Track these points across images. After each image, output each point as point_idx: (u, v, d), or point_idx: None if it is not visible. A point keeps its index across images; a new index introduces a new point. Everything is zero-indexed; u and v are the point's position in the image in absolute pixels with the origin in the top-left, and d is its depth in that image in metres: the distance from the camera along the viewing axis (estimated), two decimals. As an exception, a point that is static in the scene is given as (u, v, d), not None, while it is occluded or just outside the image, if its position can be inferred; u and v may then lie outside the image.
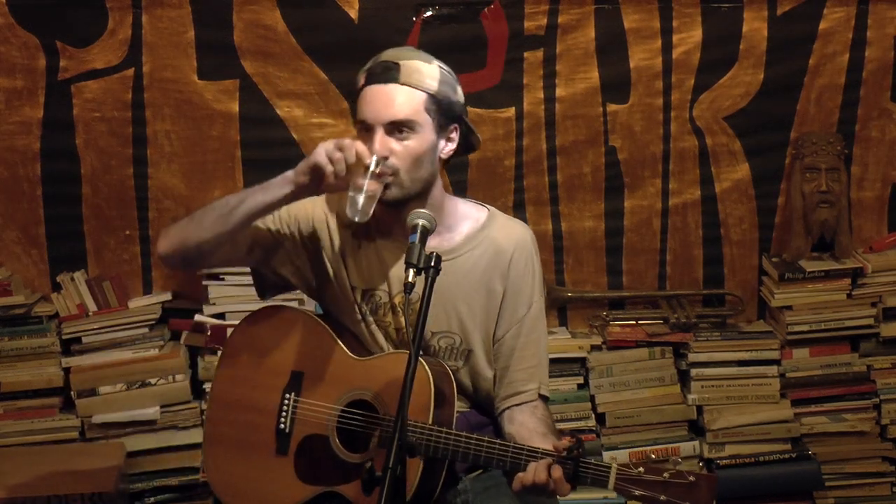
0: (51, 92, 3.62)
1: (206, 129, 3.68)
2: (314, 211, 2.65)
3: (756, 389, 3.78)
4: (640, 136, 3.78)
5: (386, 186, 2.45)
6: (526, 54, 3.70)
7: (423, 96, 2.46)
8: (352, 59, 3.61)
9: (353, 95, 2.52)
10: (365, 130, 2.47)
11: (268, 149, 3.70)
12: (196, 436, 3.61)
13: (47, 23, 3.58)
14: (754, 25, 3.73)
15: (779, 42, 3.74)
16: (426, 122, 2.47)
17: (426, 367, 2.45)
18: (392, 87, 2.45)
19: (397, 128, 2.45)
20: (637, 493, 2.27)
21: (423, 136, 2.47)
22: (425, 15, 3.65)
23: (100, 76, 3.62)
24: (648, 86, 3.75)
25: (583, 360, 3.77)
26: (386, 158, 2.43)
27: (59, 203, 3.71)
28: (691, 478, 2.25)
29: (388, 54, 2.50)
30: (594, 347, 3.78)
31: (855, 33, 3.75)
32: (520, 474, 2.33)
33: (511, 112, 3.73)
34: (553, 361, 3.68)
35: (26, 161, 3.66)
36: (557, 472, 2.29)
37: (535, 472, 2.30)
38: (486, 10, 3.65)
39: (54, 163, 3.67)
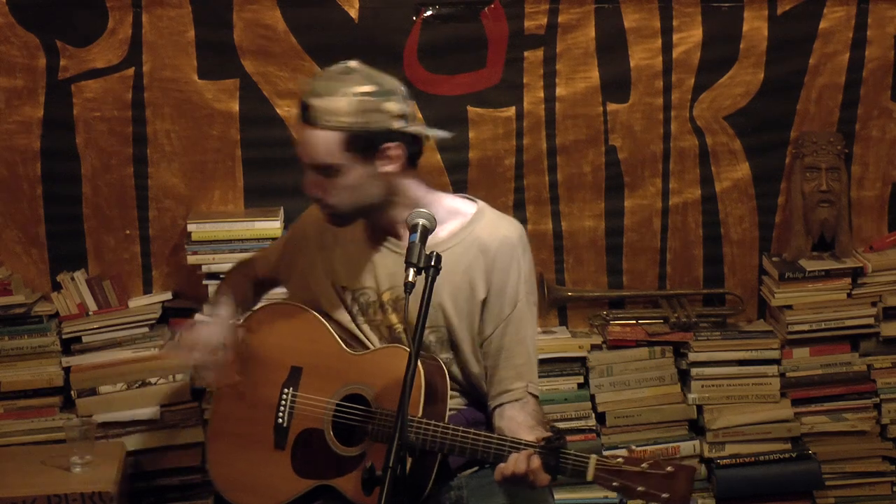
0: (51, 91, 3.62)
1: (206, 128, 3.68)
2: (299, 229, 2.80)
3: (756, 389, 3.78)
4: (641, 136, 3.78)
5: (330, 211, 2.56)
6: (526, 54, 3.70)
7: (338, 136, 2.45)
8: (352, 59, 3.64)
9: None
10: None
11: (268, 148, 3.71)
12: (196, 435, 3.62)
13: (47, 22, 3.58)
14: (754, 25, 3.73)
15: (779, 41, 3.74)
16: (349, 159, 2.47)
17: (419, 363, 2.46)
18: (310, 130, 2.47)
19: (322, 170, 2.49)
20: (616, 483, 2.29)
21: (350, 173, 2.49)
22: (425, 14, 3.65)
23: (100, 76, 3.62)
24: (648, 85, 3.75)
25: (583, 360, 3.77)
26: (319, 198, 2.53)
27: (59, 202, 3.70)
28: (669, 468, 2.27)
29: (308, 88, 2.49)
30: (594, 347, 3.78)
31: (855, 32, 3.75)
32: (500, 465, 2.35)
33: (511, 111, 3.73)
34: (553, 361, 3.71)
35: (26, 160, 3.66)
36: (535, 462, 2.31)
37: (514, 462, 2.32)
38: (486, 9, 3.65)
39: (54, 162, 3.67)
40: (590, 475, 2.30)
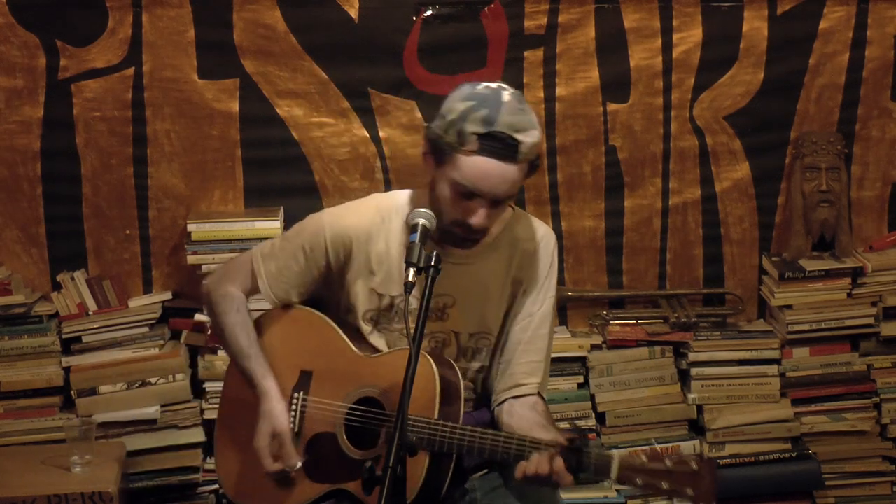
0: (51, 91, 3.62)
1: (206, 128, 3.68)
2: (329, 234, 2.59)
3: (756, 389, 3.78)
4: (641, 136, 3.79)
5: (472, 240, 2.50)
6: (526, 54, 3.70)
7: (526, 167, 2.43)
8: (352, 59, 3.65)
9: (447, 135, 2.38)
10: (463, 195, 2.42)
11: (268, 148, 3.71)
12: (196, 435, 3.62)
13: (47, 22, 3.58)
14: (754, 25, 3.73)
15: (779, 41, 3.74)
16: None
17: (432, 364, 2.45)
18: (510, 168, 2.38)
19: (501, 202, 2.45)
20: (639, 481, 2.27)
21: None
22: (425, 14, 3.65)
23: (100, 75, 3.62)
24: (648, 85, 3.75)
25: (583, 360, 3.77)
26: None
27: (59, 202, 3.70)
28: (694, 465, 2.25)
29: (506, 122, 2.36)
30: (594, 347, 3.78)
31: (855, 32, 3.75)
32: (522, 463, 2.33)
33: (511, 111, 3.72)
34: (553, 361, 3.65)
35: (26, 160, 3.66)
36: (559, 463, 2.30)
37: (537, 462, 2.31)
38: (486, 9, 3.65)
39: (54, 162, 3.67)
40: (614, 474, 2.28)
